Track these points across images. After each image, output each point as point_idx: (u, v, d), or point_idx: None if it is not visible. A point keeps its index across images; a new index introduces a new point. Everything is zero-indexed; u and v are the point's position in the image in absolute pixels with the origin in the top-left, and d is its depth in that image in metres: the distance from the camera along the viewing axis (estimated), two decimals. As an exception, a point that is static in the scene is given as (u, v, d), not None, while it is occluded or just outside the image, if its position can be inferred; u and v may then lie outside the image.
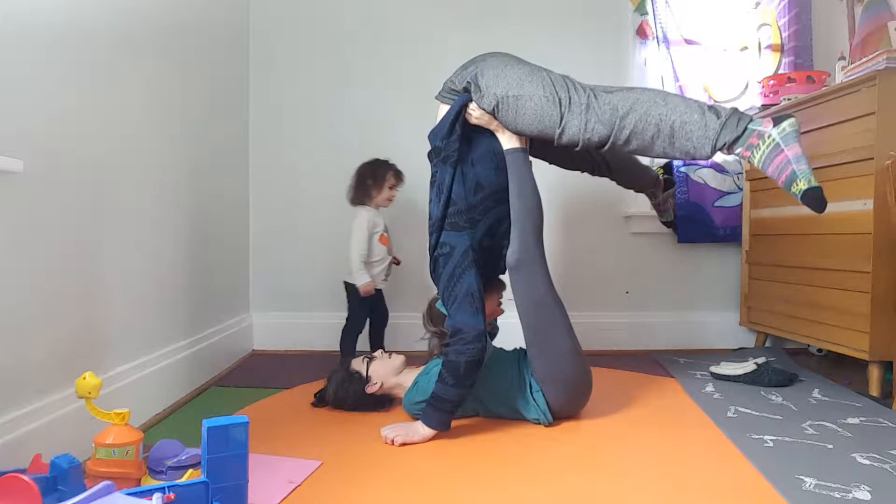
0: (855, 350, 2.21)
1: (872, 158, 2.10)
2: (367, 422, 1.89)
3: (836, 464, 1.54)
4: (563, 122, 1.75)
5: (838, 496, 1.36)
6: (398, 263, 2.73)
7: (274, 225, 3.06)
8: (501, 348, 2.05)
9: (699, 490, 1.41)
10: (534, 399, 1.85)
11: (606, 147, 1.76)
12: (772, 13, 3.02)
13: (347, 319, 2.62)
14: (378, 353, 2.07)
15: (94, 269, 1.71)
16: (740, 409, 2.01)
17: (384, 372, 2.01)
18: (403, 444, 1.71)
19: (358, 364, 2.03)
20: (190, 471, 1.30)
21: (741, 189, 2.98)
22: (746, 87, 3.02)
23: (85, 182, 1.66)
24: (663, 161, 3.03)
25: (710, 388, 2.27)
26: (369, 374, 2.00)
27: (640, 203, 2.95)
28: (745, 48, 3.03)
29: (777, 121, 1.61)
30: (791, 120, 1.60)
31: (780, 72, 2.97)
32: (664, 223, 2.59)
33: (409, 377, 2.00)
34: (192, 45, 2.34)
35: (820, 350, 2.85)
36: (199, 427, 1.24)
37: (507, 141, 1.88)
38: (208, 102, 2.51)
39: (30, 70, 1.44)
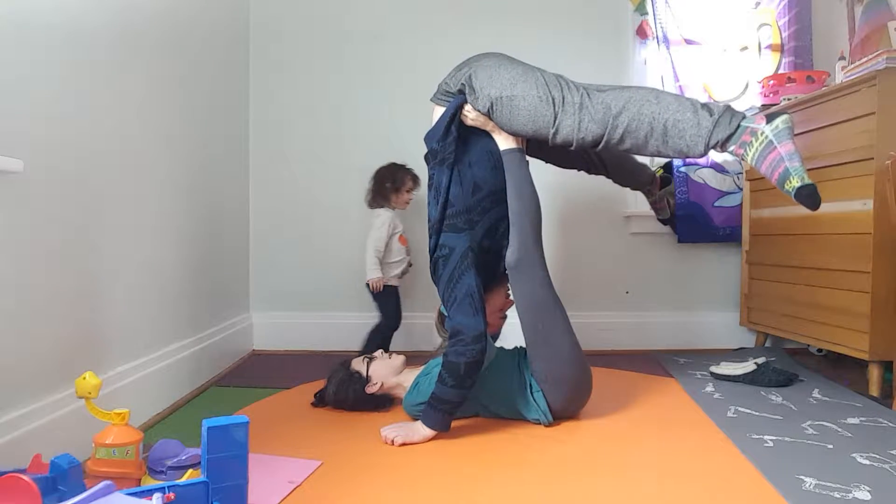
0: (855, 350, 2.21)
1: (872, 158, 2.10)
2: (367, 422, 1.89)
3: (836, 464, 1.54)
4: (557, 121, 1.75)
5: (838, 496, 1.36)
6: (410, 266, 2.77)
7: (274, 225, 3.06)
8: (502, 347, 2.05)
9: (699, 490, 1.41)
10: (534, 399, 1.85)
11: (601, 146, 1.76)
12: (772, 13, 3.02)
13: (380, 320, 2.67)
14: (378, 353, 2.07)
15: (94, 269, 1.71)
16: (740, 409, 2.01)
17: (384, 372, 2.01)
18: (403, 444, 1.71)
19: (358, 364, 2.03)
20: (190, 471, 1.30)
21: (741, 189, 2.98)
22: (746, 87, 3.02)
23: (85, 182, 1.66)
24: (664, 161, 3.03)
25: (710, 388, 2.27)
26: (369, 374, 2.00)
27: (639, 203, 2.95)
28: (745, 48, 3.03)
29: (770, 118, 1.60)
30: (784, 117, 1.60)
31: (780, 72, 2.97)
32: (661, 221, 2.60)
33: (409, 377, 2.00)
34: (193, 45, 2.34)
35: (820, 350, 2.85)
36: (199, 427, 1.24)
37: (504, 142, 1.88)
38: (208, 102, 2.51)
39: (29, 70, 1.44)
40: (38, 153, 1.46)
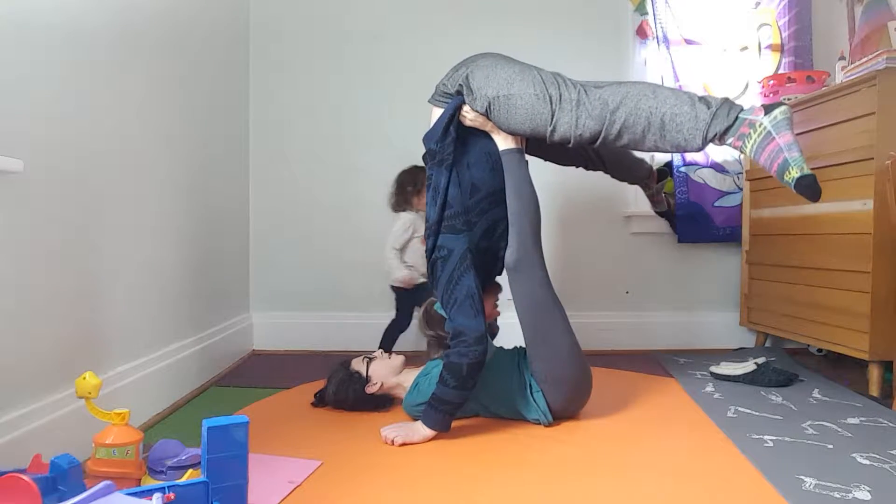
0: (855, 350, 2.21)
1: (872, 158, 2.10)
2: (367, 422, 1.89)
3: (836, 464, 1.54)
4: (555, 119, 1.75)
5: (838, 496, 1.36)
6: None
7: (274, 225, 3.06)
8: (501, 347, 2.05)
9: (699, 490, 1.41)
10: (534, 399, 1.85)
11: (598, 142, 1.75)
12: (772, 13, 3.02)
13: (395, 317, 2.68)
14: (378, 352, 2.07)
15: (94, 269, 1.71)
16: (740, 409, 2.01)
17: (384, 372, 2.01)
18: (403, 445, 1.71)
19: (358, 364, 2.03)
20: (190, 471, 1.30)
21: (741, 189, 2.98)
22: (746, 87, 3.02)
23: (85, 182, 1.66)
24: (665, 160, 3.03)
25: (710, 388, 2.27)
26: (369, 374, 2.00)
27: (640, 203, 2.95)
28: (745, 48, 3.03)
29: (768, 109, 1.59)
30: (783, 108, 1.58)
31: (780, 72, 2.97)
32: (658, 213, 2.60)
33: (408, 377, 2.00)
34: (193, 45, 2.34)
35: (820, 350, 2.85)
36: (199, 427, 1.24)
37: (503, 142, 1.88)
38: (208, 102, 2.51)
39: (29, 70, 1.44)
40: (38, 153, 1.46)
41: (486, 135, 1.90)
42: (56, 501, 1.12)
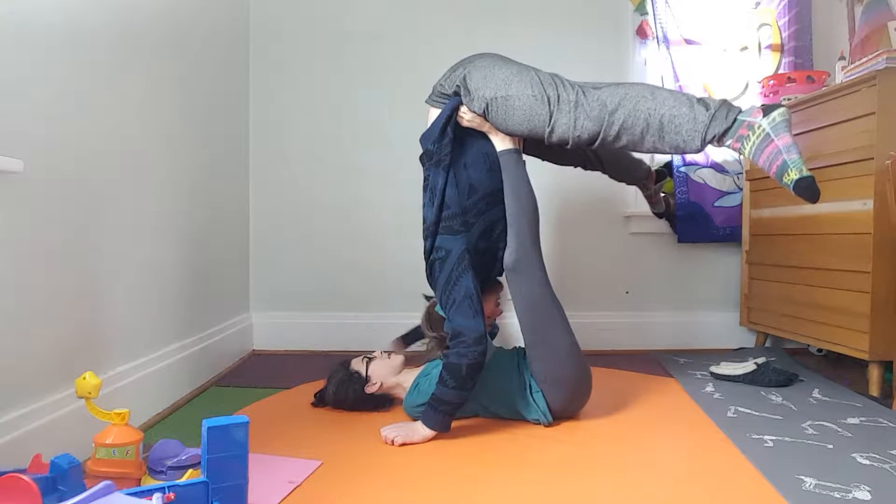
0: (855, 350, 2.21)
1: (872, 158, 2.10)
2: (367, 422, 1.89)
3: (836, 464, 1.54)
4: (553, 120, 1.75)
5: (838, 496, 1.36)
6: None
7: (274, 225, 3.06)
8: (501, 347, 2.05)
9: (699, 490, 1.41)
10: (534, 400, 1.85)
11: (597, 143, 1.75)
12: (772, 13, 3.02)
13: None
14: (377, 352, 2.07)
15: (94, 269, 1.71)
16: (740, 409, 2.01)
17: (383, 372, 2.01)
18: (403, 445, 1.71)
19: (357, 364, 2.03)
20: (190, 471, 1.30)
21: (741, 189, 2.98)
22: (746, 87, 3.02)
23: (85, 182, 1.66)
24: (665, 160, 3.03)
25: (710, 388, 2.27)
26: (369, 373, 2.00)
27: (639, 203, 2.95)
28: (745, 48, 3.03)
29: (767, 111, 1.59)
30: (781, 110, 1.58)
31: (780, 72, 2.97)
32: (656, 214, 2.61)
33: (408, 377, 2.00)
34: (193, 45, 2.34)
35: (820, 350, 2.85)
36: (199, 427, 1.24)
37: (500, 142, 1.88)
38: (208, 102, 2.51)
39: (29, 70, 1.44)
40: (38, 153, 1.46)
41: (484, 135, 1.90)
42: (56, 501, 1.12)
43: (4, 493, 1.02)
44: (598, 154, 2.22)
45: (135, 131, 1.92)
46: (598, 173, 2.33)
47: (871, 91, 2.13)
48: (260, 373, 2.59)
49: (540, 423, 1.85)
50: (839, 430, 1.80)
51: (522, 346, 1.92)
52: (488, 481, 1.47)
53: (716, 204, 3.00)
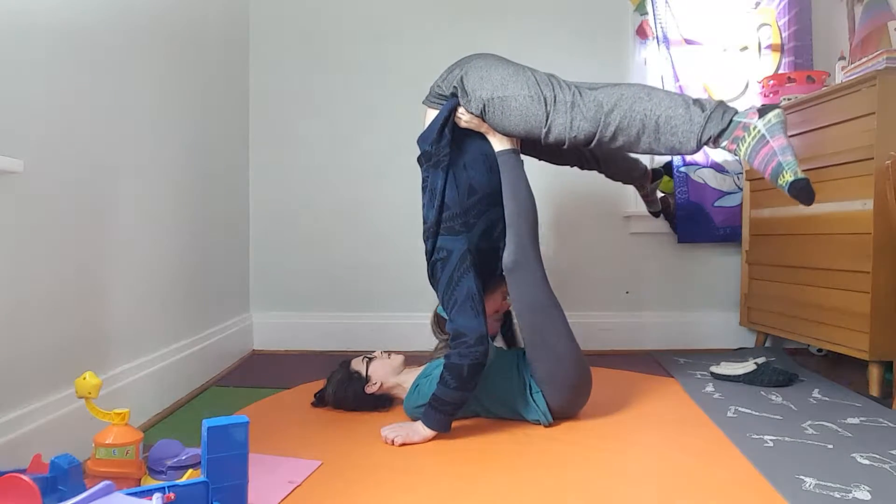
0: (855, 350, 2.21)
1: (872, 158, 2.10)
2: (367, 422, 1.89)
3: (836, 464, 1.54)
4: (549, 120, 1.75)
5: (838, 496, 1.36)
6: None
7: (274, 225, 3.06)
8: (501, 348, 2.05)
9: (699, 490, 1.41)
10: (534, 400, 1.85)
11: (593, 144, 1.75)
12: (772, 13, 3.02)
13: None
14: (377, 352, 2.07)
15: (94, 269, 1.71)
16: (740, 409, 2.01)
17: (383, 372, 2.01)
18: (403, 445, 1.71)
19: (357, 364, 2.03)
20: (190, 471, 1.30)
21: (741, 189, 2.98)
22: (746, 87, 3.02)
23: (85, 182, 1.66)
24: (664, 160, 3.03)
25: (710, 388, 2.27)
26: (369, 373, 2.00)
27: (639, 203, 2.95)
28: (745, 48, 3.03)
29: (763, 112, 1.59)
30: (777, 111, 1.59)
31: (780, 72, 2.97)
32: (652, 213, 2.62)
33: (408, 377, 2.00)
34: (193, 44, 2.34)
35: (820, 350, 2.85)
36: (199, 427, 1.24)
37: (498, 143, 1.88)
38: (208, 102, 2.51)
39: (30, 70, 1.44)
40: (38, 153, 1.46)
41: (483, 136, 1.90)
42: (56, 501, 1.13)
43: (4, 493, 1.02)
44: (595, 154, 2.22)
45: (135, 131, 1.92)
46: (597, 173, 2.33)
47: (871, 91, 2.13)
48: (260, 373, 2.59)
49: (540, 424, 1.85)
50: (839, 430, 1.80)
51: (522, 346, 1.92)
52: (488, 481, 1.47)
53: (716, 204, 3.00)
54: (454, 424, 1.79)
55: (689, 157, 2.98)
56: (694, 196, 2.99)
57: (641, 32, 3.05)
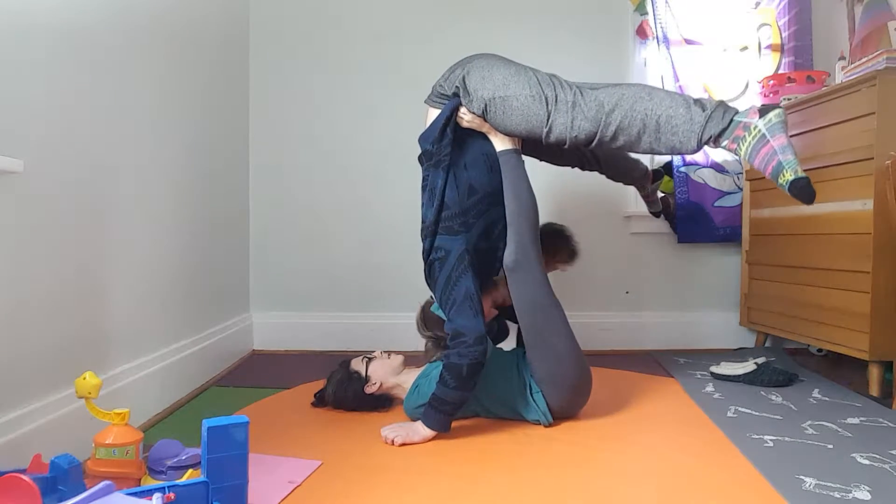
0: (855, 350, 2.21)
1: (872, 158, 2.10)
2: (367, 422, 1.89)
3: (836, 464, 1.54)
4: (550, 120, 1.75)
5: (838, 496, 1.36)
6: None
7: (274, 225, 3.06)
8: (500, 348, 2.05)
9: (699, 490, 1.41)
10: (534, 400, 1.85)
11: (594, 144, 1.76)
12: (772, 13, 3.02)
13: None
14: (377, 352, 2.07)
15: (94, 269, 1.71)
16: (740, 409, 2.01)
17: (383, 372, 2.01)
18: (403, 445, 1.71)
19: (357, 364, 2.03)
20: (190, 471, 1.30)
21: (741, 189, 2.98)
22: (746, 87, 3.02)
23: (85, 182, 1.66)
24: (664, 160, 3.04)
25: (710, 388, 2.27)
26: (368, 374, 2.00)
27: (639, 203, 2.95)
28: (745, 48, 3.03)
29: (763, 112, 1.60)
30: (777, 111, 1.59)
31: (780, 72, 2.97)
32: (653, 214, 2.62)
33: (408, 377, 2.00)
34: (193, 43, 2.34)
35: (820, 350, 2.85)
36: (199, 427, 1.24)
37: (500, 143, 1.88)
38: (208, 102, 2.51)
39: (30, 70, 1.44)
40: (38, 153, 1.46)
41: (484, 136, 1.90)
42: (56, 501, 1.13)
43: (4, 493, 1.02)
44: (596, 154, 2.22)
45: (135, 131, 1.92)
46: (597, 173, 2.33)
47: (871, 91, 2.13)
48: (260, 373, 2.59)
49: (540, 424, 1.85)
50: (839, 430, 1.80)
51: (522, 346, 1.92)
52: (488, 481, 1.47)
53: (716, 204, 3.00)
54: (454, 424, 1.79)
55: (689, 157, 2.98)
56: (694, 196, 2.99)
57: (641, 32, 3.05)
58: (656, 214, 2.64)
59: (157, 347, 2.05)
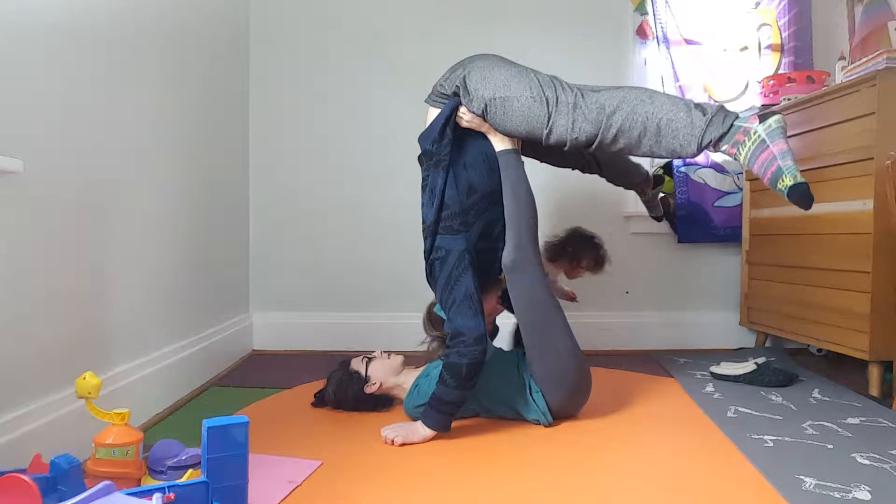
0: (855, 350, 2.21)
1: (872, 158, 2.10)
2: (367, 422, 1.89)
3: (836, 464, 1.54)
4: (551, 121, 1.75)
5: (838, 496, 1.36)
6: (574, 299, 2.61)
7: (274, 225, 3.06)
8: (500, 348, 2.05)
9: (699, 490, 1.41)
10: (533, 400, 1.85)
11: (594, 146, 1.76)
12: (772, 13, 3.02)
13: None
14: (377, 352, 2.07)
15: (94, 269, 1.71)
16: (740, 409, 2.01)
17: (383, 372, 2.01)
18: (403, 445, 1.71)
19: (357, 364, 2.03)
20: (190, 471, 1.30)
21: (741, 189, 2.98)
22: (746, 87, 3.02)
23: (85, 182, 1.66)
24: (664, 161, 3.03)
25: (710, 388, 2.27)
26: (368, 374, 2.00)
27: (639, 203, 2.94)
28: (745, 48, 3.03)
29: (763, 117, 1.61)
30: (777, 116, 1.60)
31: (780, 72, 2.97)
32: (654, 218, 2.62)
33: (408, 377, 2.00)
34: (193, 44, 2.34)
35: (820, 350, 2.85)
36: (199, 427, 1.24)
37: (499, 143, 1.88)
38: (208, 102, 2.51)
39: (30, 70, 1.44)
40: (38, 153, 1.46)
41: (484, 136, 1.90)
42: (56, 501, 1.12)
43: (4, 493, 1.02)
44: (597, 157, 2.22)
45: (135, 131, 1.92)
46: (598, 176, 2.33)
47: (871, 91, 2.13)
48: (260, 373, 2.59)
49: (540, 423, 1.85)
50: (839, 430, 1.80)
51: (522, 346, 1.92)
52: (488, 481, 1.47)
53: (716, 204, 3.01)
54: (454, 424, 1.79)
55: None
56: (694, 196, 2.99)
57: (641, 32, 3.05)
58: (658, 219, 2.64)
59: (157, 347, 2.05)
